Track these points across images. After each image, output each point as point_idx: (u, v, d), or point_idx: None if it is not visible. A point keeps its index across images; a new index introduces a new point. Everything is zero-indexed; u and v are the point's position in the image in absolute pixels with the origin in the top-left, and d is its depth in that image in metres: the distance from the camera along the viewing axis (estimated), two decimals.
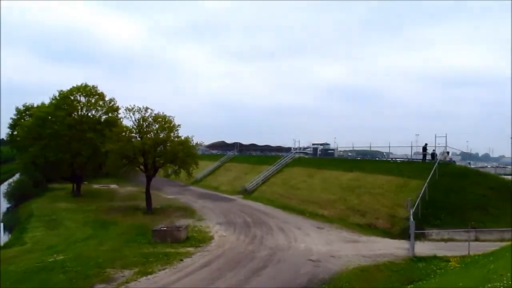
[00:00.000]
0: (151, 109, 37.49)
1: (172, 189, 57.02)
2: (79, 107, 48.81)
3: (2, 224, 40.48)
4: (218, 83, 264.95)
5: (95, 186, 60.27)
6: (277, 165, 54.18)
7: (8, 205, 51.40)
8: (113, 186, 61.56)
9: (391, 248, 23.75)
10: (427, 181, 30.40)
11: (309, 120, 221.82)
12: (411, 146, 43.19)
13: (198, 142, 39.81)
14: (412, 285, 16.45)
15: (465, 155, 61.83)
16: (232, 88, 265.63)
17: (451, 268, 17.96)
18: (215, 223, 31.61)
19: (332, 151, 59.66)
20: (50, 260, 20.84)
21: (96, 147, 43.51)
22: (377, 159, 51.11)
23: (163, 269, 19.11)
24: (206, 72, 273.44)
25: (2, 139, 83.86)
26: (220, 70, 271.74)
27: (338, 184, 39.81)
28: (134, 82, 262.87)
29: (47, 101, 51.01)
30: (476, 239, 24.57)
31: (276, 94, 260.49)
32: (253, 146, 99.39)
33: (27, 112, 54.97)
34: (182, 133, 38.59)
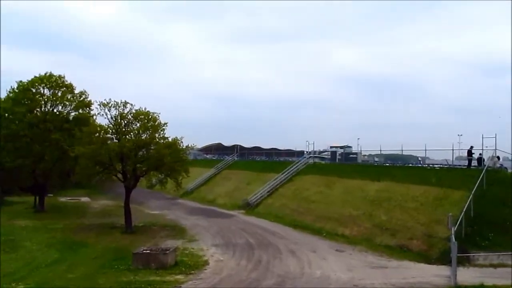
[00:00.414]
0: (131, 104, 37.68)
1: (157, 202, 57.13)
2: (43, 102, 49.05)
3: None
4: (214, 73, 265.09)
5: (62, 199, 60.55)
6: (286, 172, 54.26)
7: None
8: (84, 199, 61.81)
9: (428, 276, 23.74)
10: (473, 192, 30.36)
11: (326, 117, 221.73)
12: (453, 149, 43.07)
13: (190, 145, 40.03)
14: None
15: None
16: (231, 79, 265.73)
17: None
18: (210, 245, 31.67)
19: (354, 156, 59.74)
20: None
21: (64, 150, 43.66)
22: (410, 165, 51.13)
23: None
24: (199, 59, 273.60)
25: None
26: (216, 57, 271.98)
27: (363, 196, 39.78)
28: (112, 72, 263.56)
29: (3, 95, 51.30)
30: None
31: (285, 85, 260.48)
32: (257, 150, 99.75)
33: None
34: (170, 133, 38.79)
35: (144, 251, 26.10)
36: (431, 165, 46.18)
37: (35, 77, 49.04)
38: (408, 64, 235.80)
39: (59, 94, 49.15)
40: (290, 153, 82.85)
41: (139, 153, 37.57)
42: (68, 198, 61.48)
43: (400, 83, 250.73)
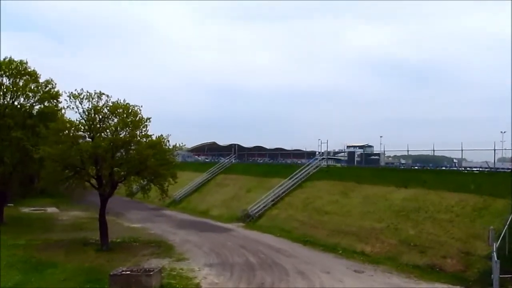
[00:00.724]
0: (108, 96, 37.53)
1: (138, 214, 57.15)
2: (1, 93, 48.95)
3: None
4: (207, 59, 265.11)
5: (25, 209, 60.48)
6: (295, 177, 54.31)
7: None
8: (51, 209, 61.75)
9: None
10: None
11: (342, 110, 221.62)
12: (494, 149, 42.89)
13: (178, 144, 39.79)
14: None
15: None
16: (228, 66, 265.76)
17: None
18: (203, 265, 31.63)
19: (376, 157, 59.69)
20: None
21: (26, 151, 43.59)
22: (443, 168, 51.10)
23: None
24: (189, 42, 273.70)
25: None
26: (210, 40, 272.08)
27: (387, 206, 39.79)
28: (84, 57, 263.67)
29: None
30: None
31: (293, 73, 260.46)
32: (258, 150, 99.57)
33: None
34: (154, 130, 38.64)
35: (123, 272, 25.99)
36: (468, 169, 46.10)
37: None
38: (441, 47, 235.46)
39: (21, 83, 48.94)
40: (298, 154, 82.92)
41: (116, 154, 37.40)
42: (32, 208, 61.40)
43: (431, 70, 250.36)
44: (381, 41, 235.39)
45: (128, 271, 26.40)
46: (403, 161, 61.72)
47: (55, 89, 49.50)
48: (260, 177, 61.23)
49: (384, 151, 59.73)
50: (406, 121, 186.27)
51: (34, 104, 49.60)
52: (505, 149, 44.35)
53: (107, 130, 37.49)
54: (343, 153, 68.32)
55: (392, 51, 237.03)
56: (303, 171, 55.43)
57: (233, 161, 78.04)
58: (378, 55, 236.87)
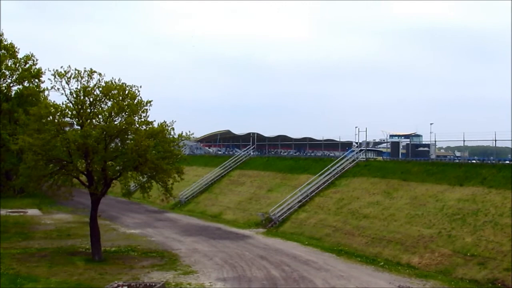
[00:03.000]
0: (100, 74, 37.61)
1: (137, 217, 57.46)
2: None
3: None
4: (220, 29, 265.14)
5: (1, 211, 61.07)
6: (326, 174, 54.44)
7: None
8: (32, 211, 62.16)
9: None
10: None
11: (384, 91, 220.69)
12: None
13: (185, 133, 39.92)
14: None
15: None
16: (246, 37, 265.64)
17: None
18: (215, 280, 31.79)
19: (426, 149, 59.62)
20: None
21: (2, 142, 43.95)
22: (507, 162, 50.75)
23: None
24: (199, 7, 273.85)
25: None
26: (224, 4, 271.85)
27: (438, 209, 39.75)
28: (71, 26, 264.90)
29: None
30: None
31: (324, 47, 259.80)
32: (282, 140, 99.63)
33: None
34: (155, 116, 38.79)
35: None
36: None
37: None
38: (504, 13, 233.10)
39: None
40: (331, 145, 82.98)
41: (110, 145, 37.66)
42: (9, 210, 61.85)
43: (496, 39, 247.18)
44: (435, 8, 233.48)
45: (125, 286, 26.65)
46: (458, 154, 61.68)
47: (37, 66, 49.82)
48: (284, 174, 61.35)
49: (435, 141, 59.63)
50: (462, 104, 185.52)
51: (11, 84, 49.95)
52: None
53: (99, 116, 37.55)
54: (385, 144, 68.33)
55: (446, 16, 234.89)
56: (337, 166, 55.48)
57: (251, 153, 78.26)
58: (429, 21, 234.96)
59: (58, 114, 37.51)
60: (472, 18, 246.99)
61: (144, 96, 38.04)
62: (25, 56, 49.91)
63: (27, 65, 49.81)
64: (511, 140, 51.96)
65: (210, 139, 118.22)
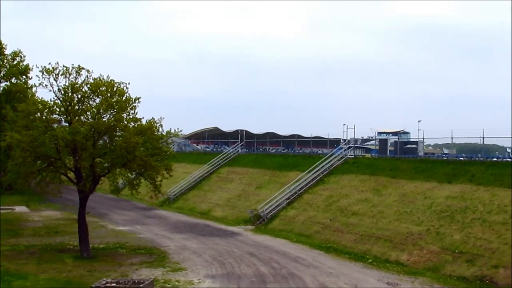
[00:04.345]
0: (88, 71, 37.45)
1: (125, 214, 57.31)
2: None
3: None
4: (211, 26, 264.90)
5: None
6: (315, 171, 54.44)
7: None
8: (20, 208, 61.95)
9: None
10: None
11: (373, 88, 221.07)
12: None
13: (173, 130, 39.81)
14: None
15: None
16: (236, 34, 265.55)
17: None
18: (204, 277, 31.72)
19: (414, 146, 59.79)
20: None
21: None
22: (495, 160, 50.92)
23: None
24: (190, 4, 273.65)
25: None
26: (214, 1, 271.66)
27: (427, 206, 39.83)
28: (59, 22, 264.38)
29: None
30: None
31: (315, 43, 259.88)
32: (271, 137, 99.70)
33: None
34: (144, 113, 38.70)
35: (108, 285, 26.13)
36: None
37: None
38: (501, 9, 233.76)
39: None
40: (320, 142, 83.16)
41: (99, 141, 37.50)
42: None
43: (485, 37, 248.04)
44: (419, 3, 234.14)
45: (114, 283, 26.47)
46: (446, 151, 61.81)
47: (25, 63, 49.54)
48: (273, 171, 61.33)
49: (423, 138, 59.71)
50: (450, 100, 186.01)
51: None
52: None
53: (88, 113, 37.41)
54: (373, 141, 68.38)
55: (433, 14, 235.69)
56: (326, 163, 55.49)
57: (240, 150, 78.20)
58: (419, 18, 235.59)
59: (46, 110, 37.36)
60: (460, 16, 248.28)
61: (132, 93, 37.92)
62: (12, 52, 49.59)
63: (15, 62, 49.51)
64: (499, 137, 52.04)
65: (198, 136, 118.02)
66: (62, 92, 36.99)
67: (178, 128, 40.46)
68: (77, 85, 36.92)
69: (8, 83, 49.28)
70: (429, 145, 60.44)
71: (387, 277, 31.60)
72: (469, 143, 58.45)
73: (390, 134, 69.76)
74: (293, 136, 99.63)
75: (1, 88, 49.19)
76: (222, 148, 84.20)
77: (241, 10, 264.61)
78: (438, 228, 36.59)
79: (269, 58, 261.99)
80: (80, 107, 37.31)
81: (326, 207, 47.43)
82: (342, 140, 66.18)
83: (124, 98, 37.35)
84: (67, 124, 37.21)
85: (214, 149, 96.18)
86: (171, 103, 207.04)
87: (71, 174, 38.40)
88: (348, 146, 60.99)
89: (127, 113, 37.64)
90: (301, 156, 69.21)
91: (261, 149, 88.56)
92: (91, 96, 37.36)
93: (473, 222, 35.33)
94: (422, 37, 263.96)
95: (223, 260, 36.05)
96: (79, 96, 37.14)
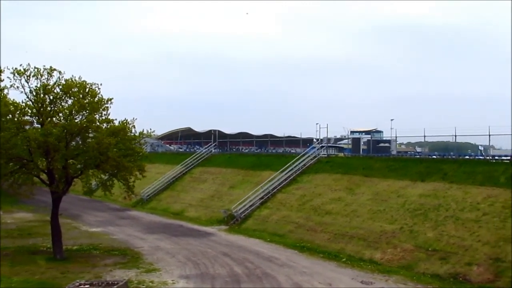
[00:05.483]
0: (60, 72, 37.18)
1: (99, 215, 57.06)
2: None
3: None
4: (182, 25, 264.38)
5: None
6: (288, 170, 54.56)
7: None
8: None
9: None
10: None
11: (345, 88, 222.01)
12: None
13: (146, 131, 39.72)
14: None
15: None
16: (207, 34, 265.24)
17: None
18: (178, 277, 31.70)
19: (387, 144, 60.10)
20: None
21: None
22: (467, 157, 51.36)
23: None
24: (161, 5, 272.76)
25: None
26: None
27: (400, 204, 40.09)
28: (29, 21, 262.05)
29: None
30: None
31: (286, 42, 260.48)
32: (243, 137, 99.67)
33: None
34: (116, 114, 38.56)
35: (81, 286, 26.05)
36: (497, 157, 46.40)
37: None
38: (472, 9, 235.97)
39: None
40: (292, 141, 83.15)
41: (71, 143, 37.27)
42: None
43: (458, 35, 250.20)
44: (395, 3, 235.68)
45: (87, 284, 26.42)
46: (419, 149, 62.30)
47: None
48: (246, 170, 61.37)
49: (396, 137, 59.96)
50: (423, 100, 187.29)
51: None
52: None
53: (60, 114, 37.21)
54: (346, 140, 68.66)
55: (407, 14, 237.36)
56: (299, 162, 55.63)
57: (213, 150, 78.13)
58: (390, 18, 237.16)
59: (18, 112, 37.01)
60: (435, 15, 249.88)
61: (105, 94, 37.78)
62: None
63: None
64: (471, 135, 52.51)
65: (171, 137, 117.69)
66: (34, 94, 36.70)
67: (151, 129, 40.40)
68: (49, 86, 36.66)
69: None
70: (402, 143, 60.93)
71: (361, 276, 31.72)
72: (442, 141, 58.88)
73: (363, 133, 70.05)
74: (266, 136, 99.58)
75: None
76: (195, 148, 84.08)
77: (212, 9, 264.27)
78: (412, 226, 36.85)
79: (242, 57, 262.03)
80: (52, 108, 37.10)
81: (300, 207, 47.55)
82: (315, 139, 66.46)
83: (96, 99, 37.20)
84: (39, 126, 36.98)
85: (187, 150, 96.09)
86: (144, 104, 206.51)
87: (44, 176, 38.15)
88: (321, 145, 61.19)
89: (100, 114, 37.52)
90: (274, 155, 69.41)
91: (234, 149, 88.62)
92: (63, 97, 37.14)
93: (446, 220, 35.63)
94: (397, 36, 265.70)
95: (197, 260, 36.03)
96: (51, 97, 36.91)
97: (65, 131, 36.23)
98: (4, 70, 44.65)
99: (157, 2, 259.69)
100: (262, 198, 51.94)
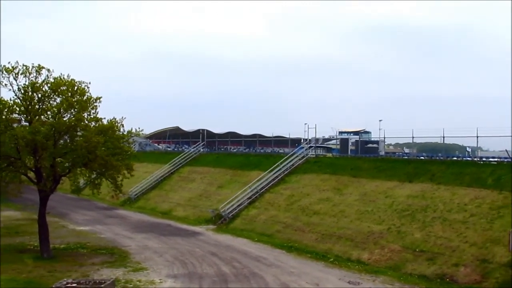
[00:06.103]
0: (48, 70, 37.07)
1: (86, 214, 56.89)
2: None
3: None
4: (172, 25, 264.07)
5: None
6: (276, 170, 54.56)
7: None
8: None
9: None
10: None
11: (334, 88, 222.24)
12: None
13: (134, 130, 39.66)
14: None
15: None
16: (197, 34, 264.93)
17: None
18: (165, 276, 31.70)
19: (375, 145, 60.18)
20: None
21: None
22: (455, 159, 51.51)
23: None
24: (150, 3, 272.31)
25: None
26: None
27: (388, 205, 40.18)
28: (18, 19, 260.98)
29: None
30: None
31: (277, 42, 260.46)
32: (232, 137, 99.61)
33: None
34: (105, 113, 38.45)
35: (69, 285, 25.97)
36: (484, 159, 46.56)
37: None
38: (462, 10, 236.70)
39: None
40: (281, 141, 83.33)
41: (59, 141, 37.17)
42: None
43: (447, 37, 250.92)
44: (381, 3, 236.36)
45: (75, 283, 26.32)
46: (407, 150, 62.35)
47: None
48: (235, 170, 61.32)
49: (384, 138, 60.15)
50: (411, 101, 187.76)
51: None
52: None
53: (48, 112, 37.09)
54: (334, 141, 68.70)
55: (395, 14, 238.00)
56: (287, 162, 55.64)
57: (201, 150, 78.04)
58: (380, 19, 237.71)
59: (6, 110, 36.86)
60: (422, 16, 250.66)
61: (93, 92, 37.66)
62: None
63: None
64: (459, 137, 52.68)
65: (159, 136, 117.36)
66: (22, 92, 36.57)
67: (139, 128, 40.37)
68: (38, 84, 36.53)
69: None
70: (390, 144, 61.10)
71: (348, 276, 31.81)
72: (430, 142, 59.04)
73: (351, 134, 70.12)
74: (254, 135, 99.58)
75: None
76: (183, 147, 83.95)
77: (200, 8, 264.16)
78: (399, 227, 36.95)
79: (231, 57, 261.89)
80: (41, 106, 36.96)
81: (288, 207, 47.56)
82: (303, 139, 66.46)
83: (85, 97, 37.08)
84: (27, 124, 36.80)
85: (176, 149, 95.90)
86: (132, 102, 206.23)
87: (32, 174, 38.02)
88: (309, 145, 61.21)
89: (88, 113, 37.40)
90: (262, 155, 69.30)
91: (222, 149, 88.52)
92: (51, 96, 36.99)
93: (434, 221, 35.75)
94: (383, 37, 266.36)
95: (184, 259, 36.02)
96: (40, 95, 36.77)
97: (53, 129, 36.11)
98: None
99: (144, 2, 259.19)
100: (250, 198, 51.94)
